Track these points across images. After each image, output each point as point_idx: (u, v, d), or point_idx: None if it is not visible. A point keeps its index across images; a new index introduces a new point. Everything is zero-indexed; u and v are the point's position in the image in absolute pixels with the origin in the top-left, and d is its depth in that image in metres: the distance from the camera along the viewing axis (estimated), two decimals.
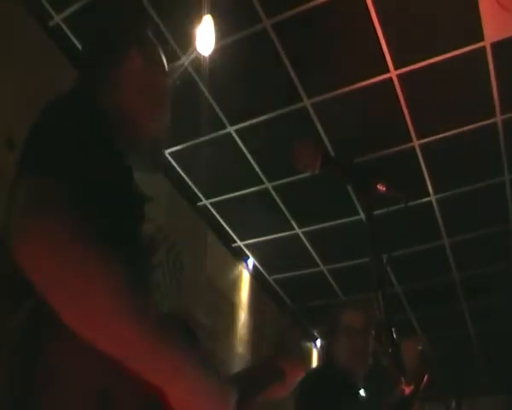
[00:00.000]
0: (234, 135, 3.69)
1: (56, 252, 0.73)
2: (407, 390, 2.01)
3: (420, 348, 2.08)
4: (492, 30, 2.97)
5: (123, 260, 0.78)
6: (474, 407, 6.09)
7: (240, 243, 4.67)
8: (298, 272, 4.98)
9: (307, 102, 3.45)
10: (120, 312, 0.74)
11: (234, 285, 4.65)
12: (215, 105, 3.48)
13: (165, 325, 0.79)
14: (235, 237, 4.60)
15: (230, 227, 4.50)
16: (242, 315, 4.66)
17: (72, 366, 0.77)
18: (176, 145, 3.74)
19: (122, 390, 0.75)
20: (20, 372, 0.79)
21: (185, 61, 3.13)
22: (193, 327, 1.06)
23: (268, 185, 4.06)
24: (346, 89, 3.34)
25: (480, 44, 3.04)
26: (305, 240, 4.59)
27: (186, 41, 3.01)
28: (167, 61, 1.27)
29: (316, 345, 5.92)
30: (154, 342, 0.76)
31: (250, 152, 3.82)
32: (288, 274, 5.01)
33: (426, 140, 3.65)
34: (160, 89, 1.25)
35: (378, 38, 3.04)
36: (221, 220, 4.42)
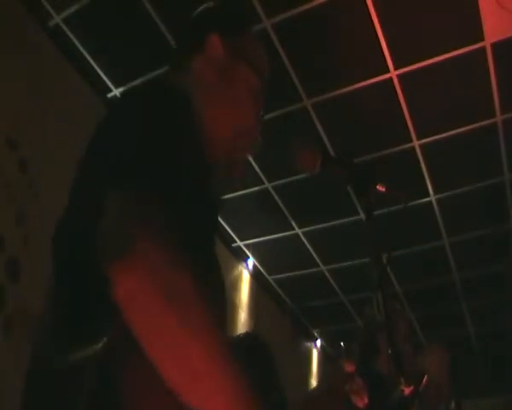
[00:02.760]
0: None
1: (159, 287, 0.66)
2: (407, 391, 2.00)
3: (446, 358, 2.07)
4: (492, 30, 2.96)
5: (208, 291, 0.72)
6: (474, 407, 6.08)
7: (240, 243, 4.67)
8: (298, 272, 4.98)
9: (307, 102, 3.44)
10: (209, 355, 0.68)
11: (234, 285, 4.64)
12: None
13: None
14: (235, 237, 4.59)
15: (230, 227, 4.50)
16: (242, 315, 4.66)
17: (145, 398, 0.72)
18: None
19: None
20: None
21: None
22: (263, 342, 1.02)
23: (268, 185, 4.06)
24: (346, 89, 3.34)
25: (480, 44, 3.04)
26: (305, 240, 4.59)
27: None
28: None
29: (316, 345, 5.91)
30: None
31: None
32: (287, 274, 5.00)
33: (426, 140, 3.64)
34: (247, 91, 1.03)
35: (378, 38, 3.04)
36: (221, 220, 4.42)
